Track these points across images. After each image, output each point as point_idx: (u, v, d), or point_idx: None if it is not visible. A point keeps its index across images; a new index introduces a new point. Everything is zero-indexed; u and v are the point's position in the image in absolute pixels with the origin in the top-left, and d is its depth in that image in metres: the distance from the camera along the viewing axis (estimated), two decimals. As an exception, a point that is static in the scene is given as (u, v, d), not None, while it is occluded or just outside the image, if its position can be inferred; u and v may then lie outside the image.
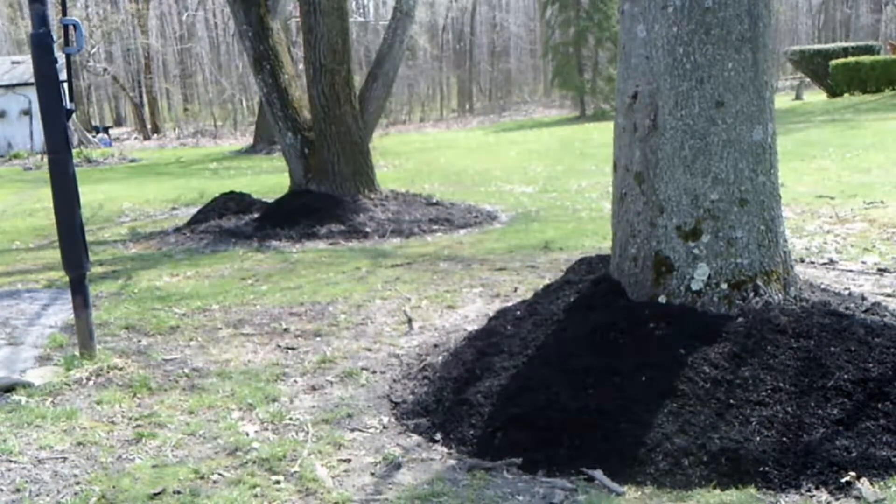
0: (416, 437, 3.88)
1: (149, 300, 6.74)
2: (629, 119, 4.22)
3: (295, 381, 4.71)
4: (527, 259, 7.63)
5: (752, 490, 3.19)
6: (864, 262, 6.69)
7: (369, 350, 5.21)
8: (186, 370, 4.96)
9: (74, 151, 10.18)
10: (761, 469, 3.27)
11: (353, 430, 3.99)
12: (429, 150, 21.63)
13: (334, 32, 10.09)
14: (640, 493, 3.24)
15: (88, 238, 5.63)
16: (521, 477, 3.43)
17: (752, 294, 4.04)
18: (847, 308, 4.13)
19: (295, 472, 3.53)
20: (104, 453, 3.82)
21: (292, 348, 5.33)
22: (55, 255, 6.75)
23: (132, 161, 24.69)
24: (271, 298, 6.65)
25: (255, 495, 3.35)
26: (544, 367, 3.94)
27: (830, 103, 25.79)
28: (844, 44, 32.87)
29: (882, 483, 3.17)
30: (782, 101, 26.80)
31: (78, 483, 3.53)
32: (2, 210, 13.78)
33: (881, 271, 6.37)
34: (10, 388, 4.66)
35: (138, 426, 4.13)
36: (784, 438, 3.37)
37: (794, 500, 3.14)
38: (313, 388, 4.59)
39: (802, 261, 6.76)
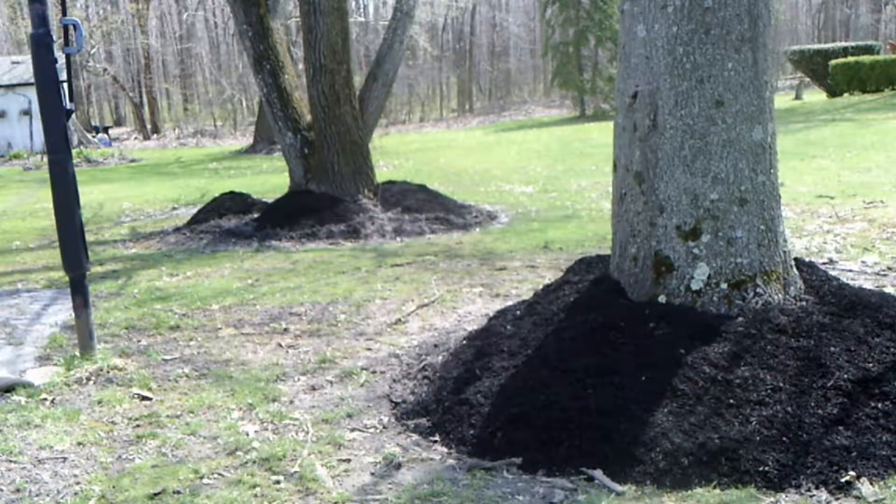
0: (415, 437, 3.88)
1: (149, 300, 6.74)
2: (629, 119, 4.22)
3: (295, 381, 4.71)
4: (527, 259, 7.63)
5: (752, 489, 3.18)
6: (863, 262, 6.69)
7: (369, 350, 5.21)
8: (186, 370, 4.96)
9: (74, 151, 10.19)
10: (761, 468, 3.27)
11: (352, 430, 3.99)
12: (429, 150, 21.63)
13: (334, 32, 10.08)
14: (639, 492, 3.24)
15: (88, 238, 5.64)
16: (521, 477, 3.43)
17: (751, 294, 4.04)
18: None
19: (295, 472, 3.53)
20: (104, 453, 3.82)
21: (292, 348, 5.34)
22: (55, 255, 6.76)
23: (132, 161, 24.69)
24: (271, 298, 6.65)
25: (255, 495, 3.35)
26: (544, 366, 3.94)
27: (830, 103, 25.79)
28: (844, 44, 32.84)
29: (882, 482, 3.17)
30: (782, 101, 26.79)
31: (78, 483, 3.53)
32: (2, 210, 13.77)
33: (881, 271, 6.37)
34: (10, 388, 4.66)
35: (138, 426, 4.13)
36: (784, 438, 3.37)
37: (794, 500, 3.14)
38: (313, 388, 4.59)
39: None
